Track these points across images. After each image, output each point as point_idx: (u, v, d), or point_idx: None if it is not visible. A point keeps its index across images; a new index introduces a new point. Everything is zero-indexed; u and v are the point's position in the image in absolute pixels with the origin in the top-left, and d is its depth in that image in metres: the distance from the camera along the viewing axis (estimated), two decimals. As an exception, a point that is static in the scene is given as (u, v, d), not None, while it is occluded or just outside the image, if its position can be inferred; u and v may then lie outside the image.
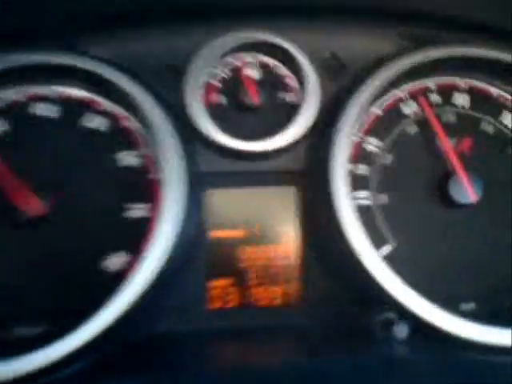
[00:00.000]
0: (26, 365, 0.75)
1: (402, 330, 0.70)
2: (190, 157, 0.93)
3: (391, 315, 0.73)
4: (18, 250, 0.89)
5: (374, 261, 0.87)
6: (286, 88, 0.99)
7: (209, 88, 0.97)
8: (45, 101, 0.94)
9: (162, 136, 0.89)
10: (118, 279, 0.83)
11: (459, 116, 1.02)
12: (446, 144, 0.97)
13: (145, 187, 0.92)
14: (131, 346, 0.86)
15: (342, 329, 0.88)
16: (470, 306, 0.95)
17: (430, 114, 0.99)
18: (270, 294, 0.96)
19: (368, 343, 0.75)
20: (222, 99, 0.97)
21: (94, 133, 0.94)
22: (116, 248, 0.90)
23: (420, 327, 0.80)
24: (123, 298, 0.81)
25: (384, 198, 0.97)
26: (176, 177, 0.86)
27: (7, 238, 0.88)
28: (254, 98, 0.95)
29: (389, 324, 0.71)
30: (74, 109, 0.95)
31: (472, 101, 1.02)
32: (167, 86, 0.96)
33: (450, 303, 0.91)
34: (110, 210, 0.91)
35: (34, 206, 0.87)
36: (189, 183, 0.89)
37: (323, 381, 0.68)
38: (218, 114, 0.95)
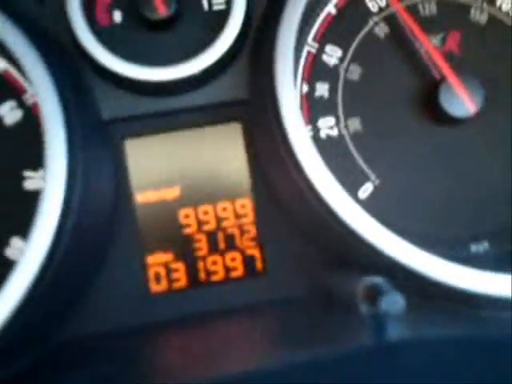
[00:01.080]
0: None
1: (394, 302, 0.47)
2: (87, 100, 0.69)
3: (378, 281, 0.51)
4: None
5: (349, 206, 0.65)
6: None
7: (99, 4, 0.72)
8: None
9: (40, 76, 0.65)
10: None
11: (442, 5, 0.79)
12: (427, 43, 0.76)
13: (40, 149, 0.68)
14: (52, 352, 0.68)
15: (317, 305, 0.68)
16: (482, 246, 0.75)
17: (397, 7, 0.76)
18: (225, 265, 0.75)
19: (350, 323, 0.54)
20: (118, 16, 0.72)
21: None
22: (15, 232, 0.70)
23: (420, 289, 0.59)
24: (11, 294, 0.59)
25: (355, 124, 0.76)
26: (61, 128, 0.63)
27: None
28: (160, 8, 0.70)
29: (376, 294, 0.48)
30: None
31: None
32: (42, 3, 0.72)
33: (456, 247, 0.73)
34: (1, 183, 0.71)
35: None
36: (90, 134, 0.66)
37: (297, 379, 0.47)
38: (114, 38, 0.71)
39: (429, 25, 0.77)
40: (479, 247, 0.75)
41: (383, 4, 0.78)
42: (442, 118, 0.73)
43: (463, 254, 0.73)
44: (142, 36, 0.72)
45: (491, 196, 0.75)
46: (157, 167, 0.75)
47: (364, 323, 0.51)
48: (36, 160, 0.70)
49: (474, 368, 0.46)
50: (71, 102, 0.65)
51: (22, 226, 0.68)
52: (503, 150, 0.77)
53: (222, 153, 0.76)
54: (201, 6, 0.74)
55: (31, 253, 0.59)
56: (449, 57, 0.76)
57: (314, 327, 0.60)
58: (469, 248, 0.75)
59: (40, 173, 0.70)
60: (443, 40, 0.78)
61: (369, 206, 0.70)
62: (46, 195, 0.61)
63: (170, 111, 0.74)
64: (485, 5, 0.79)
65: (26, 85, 0.70)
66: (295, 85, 0.71)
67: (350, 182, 0.73)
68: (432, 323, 0.56)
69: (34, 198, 0.69)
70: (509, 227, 0.75)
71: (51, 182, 0.61)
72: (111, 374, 0.59)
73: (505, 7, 0.80)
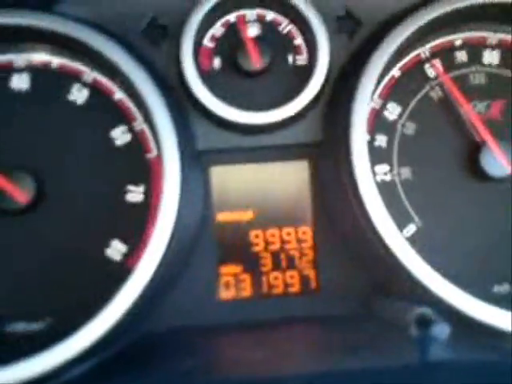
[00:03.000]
0: (26, 370, 0.67)
1: (442, 330, 0.59)
2: (189, 132, 0.82)
3: (428, 311, 0.63)
4: (11, 241, 0.81)
5: (398, 242, 0.77)
6: (292, 49, 0.86)
7: (203, 51, 0.84)
8: (18, 71, 0.83)
9: (154, 109, 0.78)
10: (120, 272, 0.75)
11: (489, 76, 0.90)
12: (469, 110, 0.87)
13: (142, 168, 0.82)
14: (137, 342, 0.78)
15: (368, 322, 0.79)
16: (503, 287, 0.86)
17: (444, 77, 0.88)
18: (285, 281, 0.86)
19: (399, 343, 0.65)
20: (218, 63, 0.85)
21: (80, 108, 0.83)
22: (116, 236, 0.81)
23: (457, 320, 0.71)
24: (130, 292, 0.71)
25: (406, 172, 0.87)
26: (175, 154, 0.75)
27: None
28: (255, 61, 0.83)
29: (426, 322, 0.60)
30: (53, 80, 0.83)
31: (502, 58, 0.91)
32: (156, 50, 0.84)
33: (481, 286, 0.84)
34: (107, 194, 0.82)
35: (17, 195, 0.77)
36: (189, 161, 0.79)
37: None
38: (215, 82, 0.83)
39: (477, 93, 0.89)
40: (501, 288, 0.86)
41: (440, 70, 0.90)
42: (481, 176, 0.84)
43: (487, 292, 0.84)
44: (237, 82, 0.84)
45: None
46: (235, 193, 0.86)
47: (410, 344, 0.62)
48: (138, 177, 0.82)
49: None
50: (180, 131, 0.78)
51: (121, 232, 0.82)
52: None
53: (290, 185, 0.87)
54: (287, 60, 0.87)
55: (148, 258, 0.71)
56: (492, 122, 0.87)
57: (365, 342, 0.72)
58: (492, 288, 0.85)
59: (140, 188, 0.82)
60: (488, 107, 0.89)
61: (411, 243, 0.82)
62: (162, 209, 0.73)
63: (252, 148, 0.86)
64: (526, 77, 0.91)
65: (137, 114, 0.83)
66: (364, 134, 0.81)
67: (397, 221, 0.82)
68: (466, 349, 0.67)
69: (133, 208, 0.82)
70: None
71: (167, 198, 0.73)
72: (183, 366, 0.71)
73: None
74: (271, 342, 0.78)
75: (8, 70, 0.83)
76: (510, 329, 0.74)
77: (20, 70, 0.83)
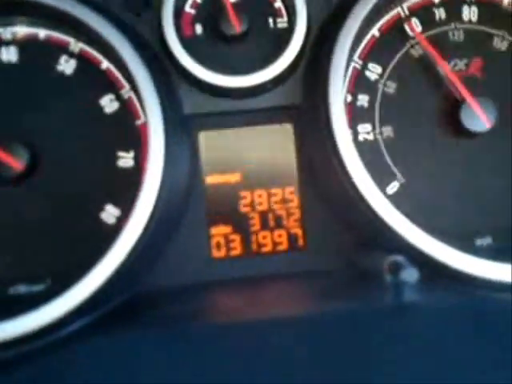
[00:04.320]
0: (27, 324, 0.71)
1: (411, 274, 0.63)
2: (173, 97, 0.85)
3: (400, 258, 0.66)
4: (8, 207, 0.85)
5: (380, 199, 0.80)
6: (273, 13, 0.88)
7: (184, 17, 0.87)
8: (5, 44, 0.85)
9: (138, 75, 0.80)
10: (113, 233, 0.78)
11: (468, 33, 0.92)
12: (448, 69, 0.89)
13: (131, 134, 0.86)
14: (133, 299, 0.83)
15: (350, 274, 0.83)
16: (486, 240, 0.89)
17: (420, 37, 0.90)
18: (273, 240, 0.90)
19: (376, 288, 0.69)
20: (200, 29, 0.87)
21: (69, 78, 0.86)
22: (109, 200, 0.85)
23: (432, 268, 0.74)
24: (120, 250, 0.75)
25: (389, 131, 0.89)
26: (160, 120, 0.78)
27: None
28: (236, 25, 0.85)
29: (397, 268, 0.64)
30: (41, 52, 0.86)
31: (481, 14, 0.92)
32: (138, 19, 0.87)
33: (464, 239, 0.86)
34: (99, 160, 0.86)
35: (12, 163, 0.81)
36: (174, 126, 0.81)
37: (328, 329, 0.63)
38: (197, 47, 0.85)
39: (456, 50, 0.91)
40: (483, 241, 0.89)
41: (419, 30, 0.92)
42: (462, 131, 0.87)
43: (470, 246, 0.87)
44: (218, 47, 0.87)
45: (496, 199, 0.89)
46: (223, 156, 0.90)
47: (386, 289, 0.66)
48: (128, 144, 0.85)
49: (466, 330, 0.61)
50: (165, 98, 0.80)
51: (115, 196, 0.85)
52: (508, 162, 0.89)
53: (276, 147, 0.90)
54: (267, 24, 0.89)
55: (136, 218, 0.75)
56: (472, 79, 0.89)
57: (345, 290, 0.76)
58: (475, 241, 0.89)
59: (131, 154, 0.86)
60: (467, 64, 0.91)
61: (394, 200, 0.85)
62: (148, 172, 0.76)
63: (237, 111, 0.88)
64: (506, 34, 0.92)
65: (123, 82, 0.85)
66: (343, 94, 0.84)
67: (380, 179, 0.86)
68: (438, 294, 0.71)
69: (124, 173, 0.85)
70: (509, 226, 0.89)
71: (152, 162, 0.77)
72: (180, 313, 0.75)
73: None
74: (259, 294, 0.82)
75: None
76: (491, 277, 0.77)
77: (7, 43, 0.85)
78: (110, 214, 0.85)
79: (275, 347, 0.60)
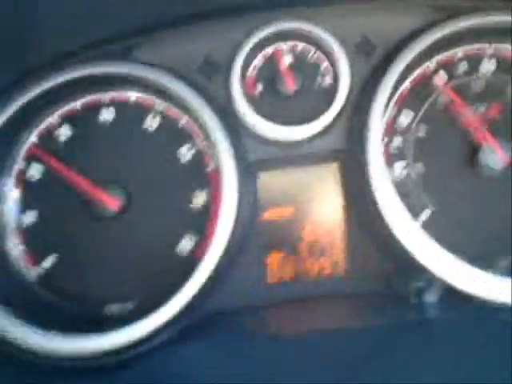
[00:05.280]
0: (120, 338, 0.88)
1: (432, 295, 0.79)
2: (240, 146, 1.02)
3: (424, 282, 0.83)
4: (104, 240, 1.02)
5: (407, 231, 0.94)
6: (320, 73, 1.05)
7: (248, 80, 1.05)
8: (104, 106, 1.04)
9: (212, 131, 0.98)
10: (189, 261, 0.95)
11: (488, 82, 1.06)
12: (469, 115, 1.03)
13: (204, 178, 1.03)
14: (205, 319, 0.97)
15: (382, 296, 0.97)
16: (507, 261, 1.01)
17: (445, 88, 1.04)
18: (319, 266, 1.05)
19: (403, 308, 0.84)
20: (261, 89, 1.05)
21: (153, 132, 1.04)
22: (186, 233, 1.02)
23: (454, 292, 0.89)
24: (198, 277, 0.92)
25: (420, 167, 1.04)
26: (230, 166, 0.96)
27: (93, 230, 1.01)
28: (290, 85, 1.02)
29: (421, 290, 0.80)
30: (132, 112, 1.05)
31: (498, 66, 1.06)
32: (211, 81, 1.04)
33: (488, 260, 0.99)
34: (177, 200, 1.03)
35: (111, 205, 0.99)
36: (241, 170, 0.98)
37: (359, 343, 0.78)
38: (259, 104, 1.03)
39: (478, 97, 1.05)
40: (504, 262, 1.01)
41: (447, 80, 1.06)
42: (482, 167, 1.00)
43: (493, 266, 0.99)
44: (276, 103, 1.04)
45: None
46: (279, 193, 1.06)
47: (411, 308, 0.81)
48: (201, 184, 1.03)
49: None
50: (235, 147, 0.98)
51: (189, 230, 1.02)
52: None
53: (323, 185, 1.06)
54: (316, 82, 1.06)
55: (213, 249, 0.92)
56: (492, 122, 1.03)
57: (379, 309, 0.91)
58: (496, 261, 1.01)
59: (204, 192, 1.03)
60: (488, 108, 1.04)
61: (427, 226, 1.01)
62: (223, 209, 0.94)
63: (290, 155, 1.05)
64: (521, 81, 1.06)
65: (199, 134, 1.03)
66: (380, 139, 1.00)
67: (415, 207, 1.02)
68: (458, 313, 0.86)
69: (200, 209, 1.03)
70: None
71: (227, 201, 0.94)
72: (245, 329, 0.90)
73: None
74: (310, 312, 0.99)
75: (97, 106, 1.05)
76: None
77: (107, 105, 1.05)
78: (186, 243, 1.01)
79: (322, 356, 0.75)
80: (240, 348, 0.83)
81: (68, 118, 1.04)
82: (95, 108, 1.05)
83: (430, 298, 0.83)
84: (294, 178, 1.06)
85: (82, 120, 1.04)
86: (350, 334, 0.80)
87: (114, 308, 1.01)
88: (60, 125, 1.04)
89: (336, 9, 1.06)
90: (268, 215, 1.06)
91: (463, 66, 1.07)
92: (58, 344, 0.87)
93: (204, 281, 0.92)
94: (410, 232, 0.95)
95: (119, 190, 1.01)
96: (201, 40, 1.05)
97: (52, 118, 1.04)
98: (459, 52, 1.07)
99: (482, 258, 0.97)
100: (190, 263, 0.95)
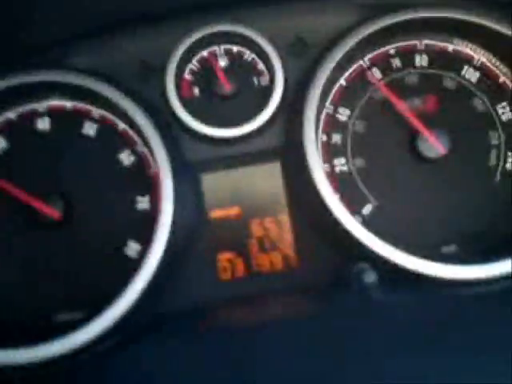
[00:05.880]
0: (67, 345, 0.87)
1: (370, 276, 0.80)
2: (177, 149, 1.02)
3: (364, 265, 0.83)
4: (48, 248, 1.01)
5: (352, 222, 0.96)
6: (256, 74, 1.07)
7: (184, 83, 1.05)
8: (40, 116, 1.04)
9: (148, 134, 0.98)
10: (136, 264, 0.94)
11: (422, 76, 1.09)
12: (402, 107, 1.05)
13: (145, 181, 1.03)
14: (155, 319, 0.96)
15: (330, 283, 0.98)
16: (451, 248, 1.03)
17: (379, 84, 1.07)
18: (270, 261, 1.05)
19: (345, 291, 0.85)
20: (198, 91, 1.06)
21: (92, 139, 1.04)
22: (130, 238, 1.01)
23: (396, 273, 0.90)
24: (141, 280, 0.92)
25: (361, 162, 1.06)
26: (166, 169, 0.96)
27: (35, 239, 1.00)
28: (226, 87, 1.03)
29: (360, 272, 0.81)
30: (69, 120, 1.04)
31: (431, 60, 1.09)
32: (147, 85, 1.05)
33: (431, 248, 1.01)
34: (121, 205, 1.02)
35: (50, 213, 0.98)
36: (179, 173, 0.99)
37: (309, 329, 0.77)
38: (196, 106, 1.04)
39: (413, 90, 1.07)
40: (448, 248, 1.03)
41: (379, 77, 1.09)
42: (421, 158, 1.03)
43: (436, 253, 1.01)
44: (213, 104, 1.05)
45: (457, 212, 1.04)
46: (223, 193, 1.06)
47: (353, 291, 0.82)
48: (144, 189, 1.03)
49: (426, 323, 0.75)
50: (170, 149, 0.98)
51: (135, 234, 1.02)
52: (470, 175, 1.05)
53: (267, 182, 1.07)
54: (253, 83, 1.07)
55: (154, 251, 0.92)
56: (429, 114, 1.06)
57: (326, 295, 0.92)
58: (441, 249, 1.03)
59: (146, 197, 1.03)
60: (423, 102, 1.07)
61: (370, 220, 1.02)
62: (162, 212, 0.93)
63: (231, 155, 1.06)
64: (454, 75, 1.09)
65: (137, 139, 1.03)
66: (317, 135, 1.02)
67: (356, 202, 1.04)
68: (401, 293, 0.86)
69: (142, 214, 1.02)
70: (471, 234, 1.04)
71: (165, 203, 0.94)
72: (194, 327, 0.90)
73: (468, 76, 1.09)
74: (260, 306, 0.98)
75: (33, 115, 1.04)
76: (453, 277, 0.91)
77: (41, 115, 1.04)
78: (132, 249, 1.01)
79: (269, 345, 0.75)
80: (191, 348, 0.81)
81: (3, 129, 1.03)
82: (31, 117, 1.04)
83: (371, 278, 0.83)
84: (238, 178, 1.07)
85: (18, 130, 1.03)
86: (297, 323, 0.79)
87: (62, 317, 1.00)
88: None
89: (269, 10, 1.08)
90: (214, 215, 1.06)
91: (396, 62, 1.09)
92: (5, 356, 0.86)
93: (147, 283, 0.92)
94: (352, 225, 0.95)
95: (59, 198, 0.99)
96: (135, 45, 1.06)
97: None
98: (391, 49, 1.09)
99: (425, 247, 0.99)
100: (135, 268, 0.94)
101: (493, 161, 1.06)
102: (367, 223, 0.99)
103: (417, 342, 0.69)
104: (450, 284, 0.92)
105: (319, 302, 0.89)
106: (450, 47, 1.10)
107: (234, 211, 1.06)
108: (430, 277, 0.92)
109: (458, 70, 1.09)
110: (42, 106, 1.04)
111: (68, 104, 1.04)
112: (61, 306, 1.00)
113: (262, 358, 0.71)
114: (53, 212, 0.98)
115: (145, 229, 0.99)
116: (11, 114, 1.04)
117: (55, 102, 1.04)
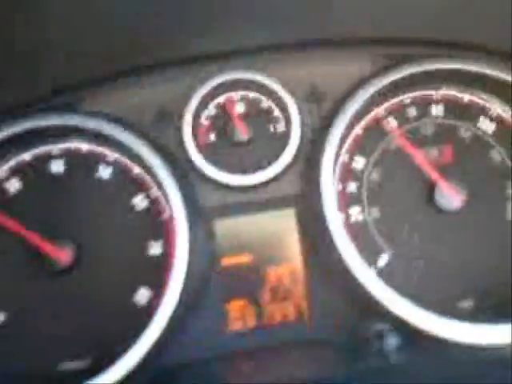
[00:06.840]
0: None
1: (391, 341, 0.77)
2: (193, 194, 1.01)
3: (383, 327, 0.80)
4: (57, 295, 0.98)
5: (367, 275, 0.94)
6: (272, 121, 1.07)
7: (200, 129, 1.05)
8: (54, 158, 1.03)
9: (163, 178, 0.98)
10: (146, 312, 0.92)
11: (437, 126, 1.09)
12: (419, 157, 1.04)
13: (159, 226, 1.01)
14: (163, 372, 0.94)
15: (344, 341, 0.95)
16: (467, 303, 1.01)
17: (395, 133, 1.06)
18: (282, 311, 1.03)
19: (364, 354, 0.82)
20: (214, 137, 1.06)
21: (106, 182, 1.03)
22: (142, 283, 0.99)
23: (416, 336, 0.87)
24: (153, 330, 0.90)
25: (376, 212, 1.04)
26: (181, 214, 0.95)
27: (44, 284, 0.98)
28: (242, 133, 1.03)
29: (380, 335, 0.78)
30: (83, 162, 1.04)
31: (447, 110, 1.09)
32: (163, 130, 1.05)
33: (447, 303, 0.99)
34: (133, 250, 1.00)
35: (61, 257, 0.96)
36: (194, 218, 0.97)
37: None
38: (212, 153, 1.04)
39: (428, 140, 1.07)
40: (465, 303, 1.01)
41: (396, 126, 1.08)
42: (437, 210, 1.01)
43: (452, 308, 0.99)
44: (229, 151, 1.05)
45: (473, 265, 1.01)
46: (236, 240, 1.04)
47: (372, 355, 0.79)
48: (157, 234, 1.01)
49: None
50: (186, 196, 0.97)
51: (146, 280, 0.99)
52: (486, 228, 1.03)
53: (281, 231, 1.05)
54: (269, 130, 1.07)
55: (168, 298, 0.90)
56: (444, 164, 1.05)
57: (342, 357, 0.89)
58: (457, 304, 1.01)
59: (159, 242, 1.01)
60: (440, 152, 1.07)
61: (386, 272, 1.00)
62: (177, 258, 0.91)
63: (246, 202, 1.04)
64: (470, 125, 1.08)
65: (152, 184, 1.02)
66: (333, 184, 1.01)
67: (371, 252, 1.02)
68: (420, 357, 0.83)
69: (154, 260, 1.00)
70: (488, 289, 1.01)
71: (180, 249, 0.92)
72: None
73: (484, 127, 1.09)
74: (273, 361, 0.95)
75: (48, 157, 1.03)
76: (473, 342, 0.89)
77: (56, 157, 1.03)
78: (142, 295, 0.99)
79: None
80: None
81: (17, 171, 1.02)
82: (45, 159, 1.03)
83: (391, 342, 0.80)
84: (252, 225, 1.05)
85: (32, 172, 1.03)
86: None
87: (69, 365, 0.97)
88: (9, 177, 1.02)
89: (286, 58, 1.08)
90: (227, 262, 1.04)
91: (411, 112, 1.09)
92: None
93: (159, 333, 0.89)
94: (368, 278, 0.93)
95: (70, 242, 0.98)
96: (153, 90, 1.06)
97: (0, 171, 1.02)
98: (407, 98, 1.09)
99: (442, 302, 0.97)
100: (145, 316, 0.92)
101: (510, 213, 1.04)
102: (382, 275, 0.97)
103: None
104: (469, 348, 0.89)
105: (333, 361, 0.86)
106: (466, 98, 1.10)
107: (246, 258, 1.04)
108: (448, 341, 0.89)
109: (474, 121, 1.09)
110: (56, 148, 1.04)
111: (84, 147, 1.04)
112: (67, 356, 0.97)
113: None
114: (63, 257, 0.96)
115: (157, 275, 0.97)
116: (26, 156, 1.03)
117: (71, 145, 1.04)
